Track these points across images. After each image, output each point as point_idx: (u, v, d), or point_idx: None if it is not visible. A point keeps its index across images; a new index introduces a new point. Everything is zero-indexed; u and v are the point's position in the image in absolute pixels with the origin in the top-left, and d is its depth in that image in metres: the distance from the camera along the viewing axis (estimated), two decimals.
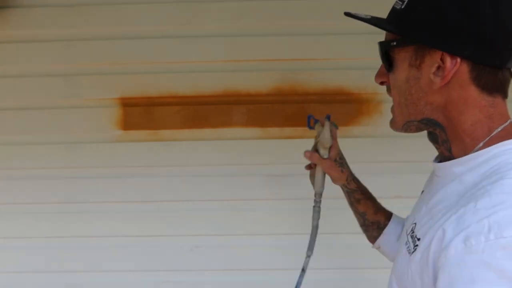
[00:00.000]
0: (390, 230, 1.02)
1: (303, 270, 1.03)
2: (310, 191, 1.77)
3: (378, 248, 1.05)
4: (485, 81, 0.63)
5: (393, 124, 0.75)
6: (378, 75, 0.77)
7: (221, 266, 1.80)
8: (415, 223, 0.71)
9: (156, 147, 1.77)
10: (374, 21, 0.72)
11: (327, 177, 1.06)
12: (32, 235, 1.80)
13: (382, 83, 0.77)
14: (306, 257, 1.06)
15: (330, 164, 1.00)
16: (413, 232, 0.69)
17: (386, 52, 0.71)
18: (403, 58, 0.69)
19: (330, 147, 0.97)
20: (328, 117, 0.99)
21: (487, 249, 0.51)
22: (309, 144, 1.77)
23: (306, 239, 1.64)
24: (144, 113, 1.76)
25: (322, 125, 0.98)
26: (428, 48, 0.65)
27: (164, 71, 1.74)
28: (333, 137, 0.97)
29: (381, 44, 0.72)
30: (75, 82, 1.76)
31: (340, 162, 1.02)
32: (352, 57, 1.69)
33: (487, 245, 0.51)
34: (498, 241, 0.51)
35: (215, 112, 1.76)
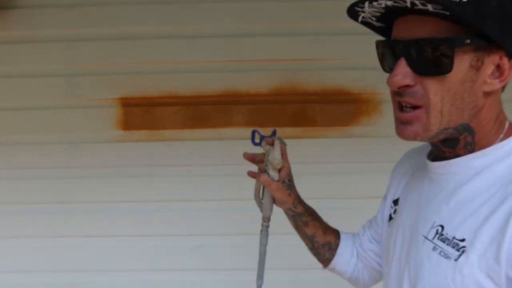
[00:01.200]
0: (343, 249, 0.99)
1: None
2: (310, 191, 1.77)
3: (333, 269, 1.02)
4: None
5: (421, 133, 0.66)
6: (403, 76, 0.64)
7: (221, 266, 1.80)
8: (441, 225, 0.66)
9: (156, 147, 1.77)
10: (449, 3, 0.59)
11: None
12: (32, 235, 1.80)
13: (403, 88, 0.65)
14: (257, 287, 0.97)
15: (278, 186, 0.92)
16: (442, 235, 0.65)
17: (446, 51, 0.61)
18: (463, 58, 0.61)
19: (280, 169, 0.89)
20: (274, 133, 0.94)
21: None
22: (309, 144, 1.79)
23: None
24: (144, 113, 1.76)
25: (270, 144, 0.92)
26: (488, 47, 0.61)
27: (164, 71, 1.74)
28: (284, 156, 0.91)
29: (445, 41, 0.61)
30: (75, 82, 1.76)
31: (288, 184, 0.94)
32: (352, 57, 1.69)
33: None
34: None
35: (215, 112, 1.76)
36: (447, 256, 0.63)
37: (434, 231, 0.68)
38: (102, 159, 1.77)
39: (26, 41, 1.73)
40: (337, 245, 1.00)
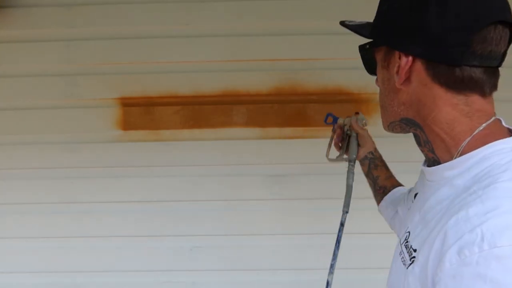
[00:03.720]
0: (388, 198, 1.08)
1: (342, 225, 1.08)
2: (311, 191, 1.78)
3: (380, 212, 1.13)
4: (445, 79, 0.61)
5: (382, 125, 0.76)
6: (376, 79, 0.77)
7: (221, 266, 1.80)
8: (409, 232, 0.68)
9: (156, 147, 1.77)
10: (355, 28, 0.74)
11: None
12: (32, 235, 1.80)
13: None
14: (343, 213, 1.11)
15: (368, 133, 1.14)
16: (407, 242, 0.66)
17: (367, 55, 0.75)
18: (378, 60, 0.72)
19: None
20: (332, 115, 1.25)
21: (481, 260, 0.49)
22: (309, 143, 1.79)
23: (306, 239, 1.66)
24: (144, 113, 1.76)
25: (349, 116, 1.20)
26: (390, 49, 0.67)
27: (164, 71, 1.74)
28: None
29: (360, 47, 0.75)
30: (75, 82, 1.76)
31: (367, 134, 1.15)
32: (352, 57, 1.68)
33: (481, 256, 0.49)
34: (492, 251, 0.48)
35: (215, 112, 1.76)
36: (404, 263, 0.65)
37: (404, 236, 0.69)
38: (102, 159, 1.77)
39: (26, 41, 1.73)
40: (388, 191, 1.09)
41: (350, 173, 1.15)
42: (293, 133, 1.75)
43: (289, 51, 1.72)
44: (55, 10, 1.73)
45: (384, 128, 0.75)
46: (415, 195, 0.85)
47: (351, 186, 1.13)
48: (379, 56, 0.71)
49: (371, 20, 0.73)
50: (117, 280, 1.80)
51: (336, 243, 1.02)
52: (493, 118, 0.62)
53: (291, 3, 1.71)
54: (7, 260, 1.82)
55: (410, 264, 0.62)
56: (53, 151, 1.78)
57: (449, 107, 0.62)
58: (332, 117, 1.25)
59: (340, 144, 1.22)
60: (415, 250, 0.62)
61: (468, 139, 0.61)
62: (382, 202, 1.10)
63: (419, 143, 0.70)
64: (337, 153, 1.22)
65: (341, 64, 1.70)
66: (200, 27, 1.73)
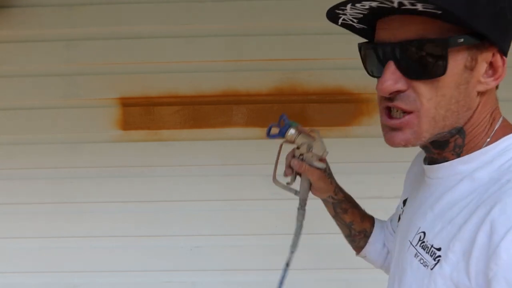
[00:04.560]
0: (376, 237, 0.98)
1: (287, 265, 0.99)
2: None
3: (364, 257, 1.01)
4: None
5: (412, 140, 0.62)
6: (394, 81, 0.60)
7: (221, 266, 1.80)
8: (424, 232, 0.65)
9: (156, 147, 1.77)
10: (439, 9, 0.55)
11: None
12: (31, 235, 1.80)
13: (394, 93, 0.61)
14: (290, 253, 1.01)
15: (320, 175, 0.90)
16: (424, 242, 0.64)
17: (439, 52, 0.57)
18: (456, 59, 0.57)
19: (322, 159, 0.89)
20: (285, 118, 0.91)
21: None
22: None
23: (306, 239, 1.63)
24: (143, 113, 1.76)
25: (309, 134, 0.92)
26: (481, 45, 0.58)
27: (164, 71, 1.74)
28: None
29: (437, 41, 0.57)
30: (75, 82, 1.76)
31: (329, 172, 0.94)
32: (352, 57, 1.68)
33: None
34: None
35: (215, 112, 1.76)
36: (425, 264, 0.62)
37: (418, 237, 0.66)
38: (102, 159, 1.77)
39: (26, 41, 1.73)
40: (371, 232, 0.99)
41: (299, 214, 0.99)
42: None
43: (290, 51, 1.72)
44: (55, 10, 1.73)
45: (415, 143, 0.63)
46: (404, 200, 0.84)
47: (301, 227, 0.99)
48: (460, 55, 0.57)
49: None
50: (117, 280, 1.80)
51: (279, 285, 0.93)
52: (501, 116, 0.64)
53: (291, 3, 1.71)
54: (7, 260, 1.82)
55: (436, 263, 0.59)
56: (52, 151, 1.78)
57: (489, 106, 0.62)
58: (278, 127, 0.92)
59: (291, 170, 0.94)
60: (438, 249, 0.60)
61: (492, 134, 0.62)
62: (369, 247, 0.99)
63: (441, 148, 0.65)
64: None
65: (341, 64, 1.70)
66: (200, 27, 1.73)
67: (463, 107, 0.60)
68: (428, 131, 0.61)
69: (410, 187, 0.85)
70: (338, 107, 1.74)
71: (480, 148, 0.62)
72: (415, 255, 0.65)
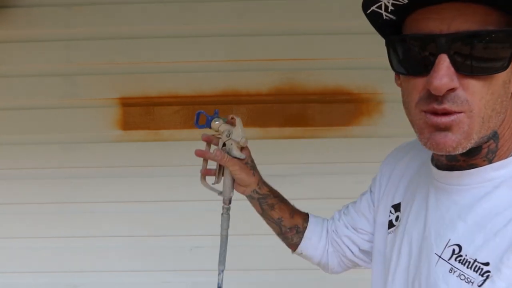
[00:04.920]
0: (311, 232, 0.94)
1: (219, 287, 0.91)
2: (310, 192, 1.77)
3: (300, 254, 0.97)
4: None
5: (463, 142, 0.56)
6: (450, 78, 0.54)
7: None
8: (459, 245, 0.60)
9: (156, 147, 1.77)
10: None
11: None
12: (32, 235, 1.80)
13: (448, 92, 0.55)
14: (219, 273, 0.97)
15: (241, 166, 0.87)
16: (461, 256, 0.58)
17: (505, 45, 0.52)
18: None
19: (243, 148, 0.85)
20: (217, 112, 0.88)
21: None
22: (309, 143, 1.79)
23: None
24: (143, 113, 1.76)
25: (230, 123, 0.87)
26: None
27: (164, 71, 1.74)
28: (245, 137, 0.85)
29: (505, 33, 0.53)
30: (74, 82, 1.76)
31: (251, 164, 0.90)
32: (352, 57, 1.69)
33: None
34: None
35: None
36: (468, 281, 0.57)
37: (450, 250, 0.61)
38: (102, 159, 1.77)
39: (25, 41, 1.73)
40: (305, 228, 0.94)
41: (223, 219, 0.90)
42: (293, 133, 1.75)
43: (290, 51, 1.72)
44: (55, 10, 1.73)
45: (465, 146, 0.57)
46: (396, 205, 0.79)
47: (226, 237, 0.91)
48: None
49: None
50: (117, 280, 1.80)
51: None
52: None
53: (291, 3, 1.71)
54: (7, 260, 1.82)
55: (485, 279, 0.55)
56: (52, 151, 1.78)
57: None
58: (207, 117, 0.89)
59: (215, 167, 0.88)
60: (486, 264, 0.55)
61: None
62: (304, 243, 0.94)
63: (474, 155, 0.60)
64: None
65: (341, 64, 1.70)
66: (200, 27, 1.73)
67: (503, 108, 0.57)
68: (477, 133, 0.56)
69: (400, 190, 0.79)
70: (338, 107, 1.74)
71: (510, 153, 0.59)
72: (451, 270, 0.59)
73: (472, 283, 0.56)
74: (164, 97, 1.75)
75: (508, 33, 0.52)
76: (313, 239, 0.94)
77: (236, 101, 1.75)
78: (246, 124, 1.76)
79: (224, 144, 0.87)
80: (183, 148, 1.77)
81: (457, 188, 0.62)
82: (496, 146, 0.59)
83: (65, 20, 1.73)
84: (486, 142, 0.59)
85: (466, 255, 0.58)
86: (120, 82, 1.75)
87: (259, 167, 1.75)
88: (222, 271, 0.94)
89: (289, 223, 0.95)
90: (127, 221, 1.79)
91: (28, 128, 1.77)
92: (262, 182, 0.92)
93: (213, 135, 0.91)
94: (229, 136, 0.86)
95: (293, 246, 0.97)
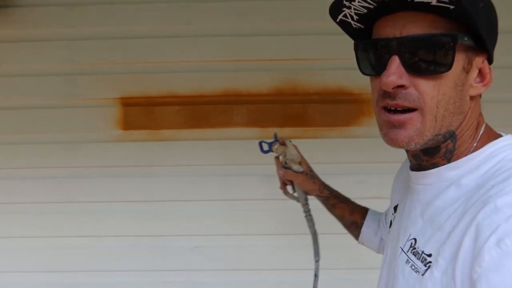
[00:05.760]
0: (367, 228, 1.05)
1: (316, 276, 1.09)
2: None
3: (363, 244, 1.09)
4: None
5: (415, 138, 0.62)
6: (398, 75, 0.59)
7: (221, 266, 1.80)
8: (415, 239, 0.66)
9: (156, 147, 1.77)
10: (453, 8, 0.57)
11: None
12: (32, 235, 1.80)
13: (396, 89, 0.60)
14: (315, 262, 1.12)
15: (303, 178, 1.05)
16: (415, 249, 0.65)
17: (448, 47, 0.58)
18: (458, 59, 0.59)
19: (300, 162, 1.04)
20: (276, 136, 1.07)
21: None
22: (310, 144, 1.78)
23: (306, 240, 1.64)
24: (144, 113, 1.76)
25: (283, 144, 1.05)
26: (477, 49, 0.60)
27: (165, 71, 1.74)
28: (297, 151, 1.04)
29: (447, 37, 0.58)
30: (75, 82, 1.76)
31: (311, 174, 1.07)
32: (353, 57, 1.68)
33: None
34: None
35: (215, 112, 1.76)
36: (416, 270, 0.62)
37: (409, 243, 0.67)
38: (102, 159, 1.77)
39: (26, 40, 1.73)
40: (362, 224, 1.06)
41: (308, 220, 1.11)
42: (294, 133, 1.74)
43: (290, 51, 1.72)
44: (56, 9, 1.73)
45: (418, 142, 0.62)
46: (395, 207, 0.85)
47: (315, 233, 1.11)
48: (461, 55, 0.59)
49: None
50: (117, 280, 1.80)
51: None
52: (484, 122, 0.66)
53: (291, 3, 1.71)
54: (7, 260, 1.82)
55: (427, 270, 0.60)
56: (53, 151, 1.78)
57: (477, 111, 0.65)
58: (267, 144, 1.08)
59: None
60: (429, 255, 0.61)
61: (478, 139, 0.64)
62: (362, 236, 1.07)
63: (431, 155, 0.66)
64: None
65: (341, 64, 1.70)
66: (200, 26, 1.73)
67: (458, 109, 0.61)
68: (429, 130, 0.61)
69: (400, 193, 0.85)
70: (339, 108, 1.74)
71: (467, 154, 0.63)
72: (407, 261, 0.65)
73: (419, 272, 0.62)
74: (165, 97, 1.75)
75: (450, 36, 0.57)
76: (369, 233, 1.05)
77: (237, 101, 1.75)
78: (247, 124, 1.77)
79: (286, 163, 1.04)
80: (183, 148, 1.77)
81: (422, 188, 0.68)
82: (454, 146, 0.64)
83: (65, 20, 1.73)
84: (444, 142, 0.64)
85: (418, 247, 0.64)
86: (120, 82, 1.75)
87: (259, 167, 1.76)
88: (317, 261, 1.11)
89: (349, 219, 1.08)
90: (127, 221, 1.79)
91: (29, 128, 1.77)
92: (323, 187, 1.07)
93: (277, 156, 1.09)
94: (285, 156, 1.03)
95: (356, 237, 1.10)
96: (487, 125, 0.66)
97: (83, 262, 1.80)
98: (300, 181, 1.05)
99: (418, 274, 0.62)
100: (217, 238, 1.80)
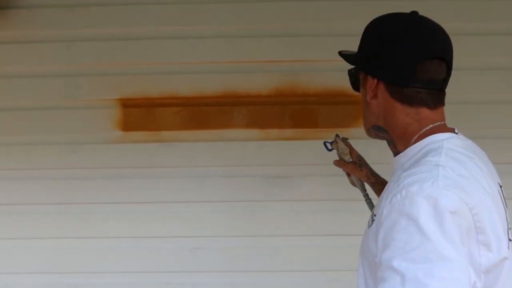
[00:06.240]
0: None
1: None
2: (310, 193, 1.77)
3: None
4: (399, 96, 0.84)
5: (365, 131, 0.96)
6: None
7: (221, 267, 1.80)
8: (375, 207, 0.90)
9: (156, 148, 1.77)
10: (344, 56, 0.98)
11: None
12: (32, 235, 1.80)
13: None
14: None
15: (352, 167, 1.24)
16: (372, 212, 0.87)
17: (353, 76, 0.98)
18: (360, 80, 0.94)
19: (350, 153, 1.25)
20: (337, 135, 1.31)
21: (400, 201, 0.72)
22: (310, 145, 1.78)
23: (306, 240, 1.65)
24: (144, 114, 1.76)
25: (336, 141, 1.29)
26: (365, 72, 0.90)
27: (164, 72, 1.74)
28: (348, 146, 1.27)
29: (348, 70, 1.00)
30: (75, 83, 1.76)
31: (359, 163, 1.25)
32: None
33: (400, 199, 0.72)
34: (406, 194, 0.72)
35: (215, 114, 1.76)
36: (369, 226, 0.84)
37: (373, 211, 0.89)
38: (102, 160, 1.77)
39: (26, 42, 1.74)
40: None
41: (367, 203, 1.28)
42: (294, 134, 1.75)
43: (290, 52, 1.72)
44: (57, 11, 1.73)
45: (366, 133, 0.96)
46: None
47: (371, 203, 1.28)
48: (361, 77, 0.93)
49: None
50: (117, 281, 1.80)
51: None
52: (438, 123, 0.85)
53: (292, 4, 1.71)
54: (7, 260, 1.81)
55: (371, 225, 0.83)
56: (53, 152, 1.78)
57: (403, 115, 0.86)
58: (329, 143, 1.32)
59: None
60: (375, 215, 0.82)
61: (416, 136, 0.85)
62: None
63: (388, 144, 0.93)
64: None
65: (341, 66, 1.67)
66: (201, 28, 1.73)
67: (368, 111, 0.93)
68: (364, 124, 0.97)
69: None
70: (339, 109, 1.74)
71: (409, 144, 0.87)
72: (368, 221, 0.88)
73: (369, 226, 0.84)
74: (165, 98, 1.75)
75: (349, 71, 1.00)
76: None
77: (237, 102, 1.75)
78: (247, 125, 1.77)
79: (340, 156, 1.27)
80: (183, 149, 1.77)
81: (393, 170, 0.92)
82: (391, 137, 0.90)
83: (66, 21, 1.74)
84: (380, 133, 0.92)
85: (374, 211, 0.86)
86: (120, 83, 1.75)
87: (259, 168, 1.76)
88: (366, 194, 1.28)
89: None
90: (127, 222, 1.79)
91: (29, 129, 1.77)
92: (370, 174, 1.25)
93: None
94: (338, 150, 1.26)
95: None
96: (434, 128, 0.84)
97: (83, 263, 1.80)
98: (350, 169, 1.25)
99: (368, 228, 0.85)
100: (217, 240, 1.80)
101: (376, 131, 0.92)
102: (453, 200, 0.70)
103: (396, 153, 0.91)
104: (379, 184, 1.23)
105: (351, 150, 1.27)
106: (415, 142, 0.85)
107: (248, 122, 1.75)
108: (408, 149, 0.86)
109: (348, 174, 1.33)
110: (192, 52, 1.74)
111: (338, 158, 1.30)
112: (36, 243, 1.80)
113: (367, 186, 1.27)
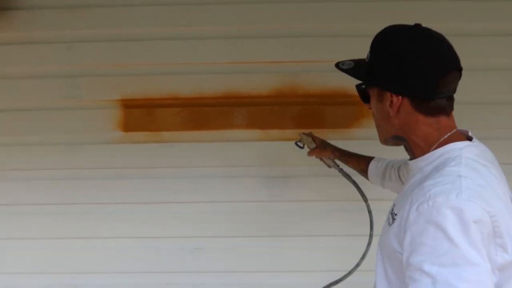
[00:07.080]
0: (370, 169, 1.40)
1: (370, 212, 1.47)
2: (310, 193, 1.78)
3: (372, 183, 1.42)
4: (424, 108, 0.89)
5: (379, 139, 1.02)
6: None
7: (222, 268, 1.80)
8: (395, 204, 0.96)
9: (157, 149, 1.77)
10: (351, 72, 1.01)
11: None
12: (32, 235, 1.80)
13: (369, 108, 1.02)
14: (365, 203, 1.49)
15: (318, 150, 1.49)
16: (392, 211, 0.93)
17: (362, 90, 1.02)
18: (372, 95, 0.98)
19: (314, 141, 1.49)
20: (300, 133, 1.52)
21: (428, 211, 0.78)
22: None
23: (306, 241, 1.65)
24: (144, 115, 1.76)
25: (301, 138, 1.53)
26: (383, 88, 0.93)
27: (165, 73, 1.74)
28: (311, 136, 1.50)
29: (357, 86, 1.03)
30: (76, 84, 1.76)
31: (323, 146, 1.49)
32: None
33: (428, 208, 0.78)
34: (434, 205, 0.78)
35: (216, 114, 1.76)
36: (389, 224, 0.92)
37: (391, 208, 0.96)
38: (103, 160, 1.77)
39: (27, 43, 1.74)
40: (367, 169, 1.41)
41: (343, 174, 1.51)
42: (294, 135, 1.74)
43: (290, 53, 1.73)
44: (57, 12, 1.74)
45: (381, 142, 1.02)
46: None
47: (354, 182, 1.50)
48: (373, 92, 0.97)
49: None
50: (118, 281, 1.80)
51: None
52: (454, 130, 0.91)
53: (292, 5, 1.71)
54: (7, 260, 1.82)
55: (392, 223, 0.90)
56: (54, 152, 1.78)
57: (426, 126, 0.91)
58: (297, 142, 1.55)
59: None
60: (396, 214, 0.90)
61: (437, 144, 0.91)
62: (369, 178, 1.42)
63: (406, 149, 0.98)
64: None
65: None
66: (201, 29, 1.73)
67: (386, 123, 0.97)
68: (379, 134, 1.03)
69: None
70: (339, 109, 1.74)
71: (428, 151, 0.92)
72: (387, 219, 0.96)
73: (389, 224, 0.91)
74: (165, 99, 1.75)
75: (358, 86, 1.03)
76: (372, 177, 1.41)
77: (237, 103, 1.75)
78: (247, 126, 1.77)
79: (308, 147, 1.51)
80: (184, 150, 1.78)
81: (410, 172, 1.00)
82: (408, 145, 0.95)
83: (66, 22, 1.74)
84: (400, 141, 0.97)
85: (393, 210, 0.93)
86: (121, 84, 1.75)
87: (259, 169, 1.76)
88: (366, 201, 1.49)
89: (358, 168, 1.46)
90: (127, 222, 1.79)
91: (30, 129, 1.78)
92: (335, 150, 1.48)
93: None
94: (305, 143, 1.51)
95: (367, 178, 1.44)
96: (452, 135, 0.90)
97: (83, 264, 1.80)
98: (318, 153, 1.49)
99: (389, 226, 0.91)
100: (217, 240, 1.80)
101: (395, 140, 0.97)
102: (476, 210, 0.76)
103: (412, 157, 0.96)
104: (343, 156, 1.48)
105: (314, 138, 1.49)
106: (434, 149, 0.90)
107: (248, 123, 1.75)
108: (427, 155, 0.91)
109: (321, 159, 1.54)
110: (192, 52, 1.74)
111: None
112: (36, 243, 1.81)
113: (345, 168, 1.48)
